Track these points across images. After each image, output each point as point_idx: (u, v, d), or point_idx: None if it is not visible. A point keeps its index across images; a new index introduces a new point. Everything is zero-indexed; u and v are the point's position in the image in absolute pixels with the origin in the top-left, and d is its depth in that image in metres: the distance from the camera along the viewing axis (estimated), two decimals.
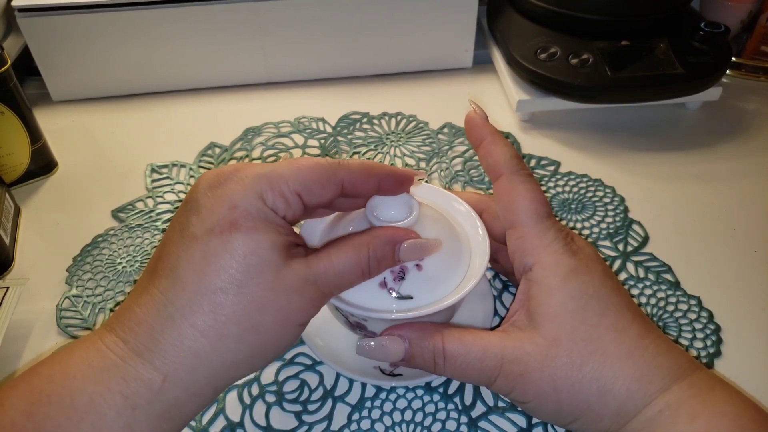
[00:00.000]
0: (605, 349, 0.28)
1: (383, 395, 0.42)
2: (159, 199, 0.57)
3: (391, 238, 0.32)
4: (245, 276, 0.27)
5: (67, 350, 0.28)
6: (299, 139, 0.64)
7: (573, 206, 0.56)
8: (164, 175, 0.60)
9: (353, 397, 0.42)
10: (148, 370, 0.26)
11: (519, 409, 0.41)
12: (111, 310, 0.48)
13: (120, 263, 0.51)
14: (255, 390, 0.43)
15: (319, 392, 0.43)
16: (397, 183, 0.33)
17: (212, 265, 0.27)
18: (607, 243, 0.52)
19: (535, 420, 0.41)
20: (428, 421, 0.41)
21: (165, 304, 0.27)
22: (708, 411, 0.28)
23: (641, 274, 0.49)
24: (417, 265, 0.34)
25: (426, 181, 0.40)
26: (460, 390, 0.42)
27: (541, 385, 0.29)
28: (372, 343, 0.33)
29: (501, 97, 0.69)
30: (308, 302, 0.29)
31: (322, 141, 0.64)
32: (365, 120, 0.66)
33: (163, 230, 0.54)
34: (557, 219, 0.33)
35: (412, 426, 0.41)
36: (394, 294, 0.33)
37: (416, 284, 0.34)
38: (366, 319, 0.33)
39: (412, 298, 0.33)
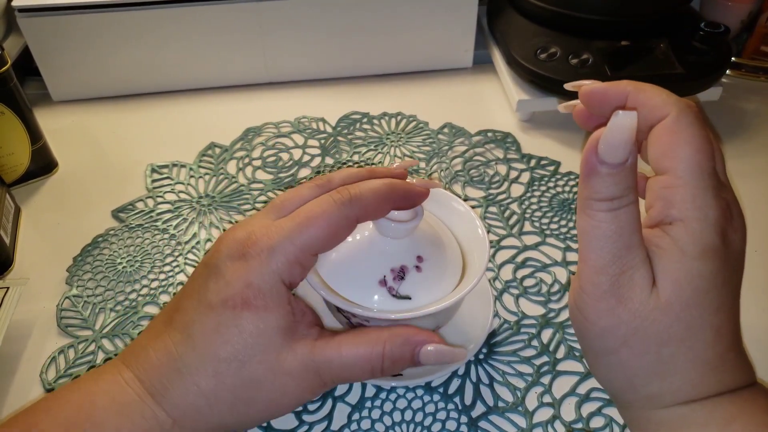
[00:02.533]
0: (694, 344, 0.26)
1: (383, 395, 0.42)
2: (159, 199, 0.57)
3: (411, 340, 0.31)
4: (248, 353, 0.29)
5: (91, 380, 0.31)
6: (299, 139, 0.64)
7: (573, 206, 0.56)
8: (164, 175, 0.60)
9: (353, 397, 0.42)
10: (161, 412, 0.29)
11: (519, 410, 0.42)
12: (111, 310, 0.48)
13: (120, 263, 0.51)
14: None
15: None
16: (412, 201, 0.33)
17: (222, 337, 0.29)
18: None
19: (535, 420, 0.41)
20: (428, 421, 0.41)
21: (176, 358, 0.29)
22: (746, 417, 0.26)
23: None
24: (416, 267, 0.34)
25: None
26: (460, 390, 0.42)
27: (619, 330, 0.27)
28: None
29: (501, 97, 0.69)
30: (304, 389, 0.30)
31: (323, 141, 0.64)
32: (365, 120, 0.66)
33: (163, 230, 0.54)
34: (723, 182, 0.27)
35: (412, 426, 0.41)
36: (393, 292, 0.33)
37: (415, 285, 0.34)
38: (368, 319, 0.33)
39: (410, 298, 0.33)
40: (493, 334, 0.46)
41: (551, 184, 0.58)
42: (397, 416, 0.41)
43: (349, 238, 0.34)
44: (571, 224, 0.54)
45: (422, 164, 0.61)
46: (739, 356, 0.28)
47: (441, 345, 0.31)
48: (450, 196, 0.40)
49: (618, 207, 0.26)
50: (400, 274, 0.33)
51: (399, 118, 0.66)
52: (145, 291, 0.49)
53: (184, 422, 0.30)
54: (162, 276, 0.50)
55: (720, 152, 0.28)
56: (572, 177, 0.59)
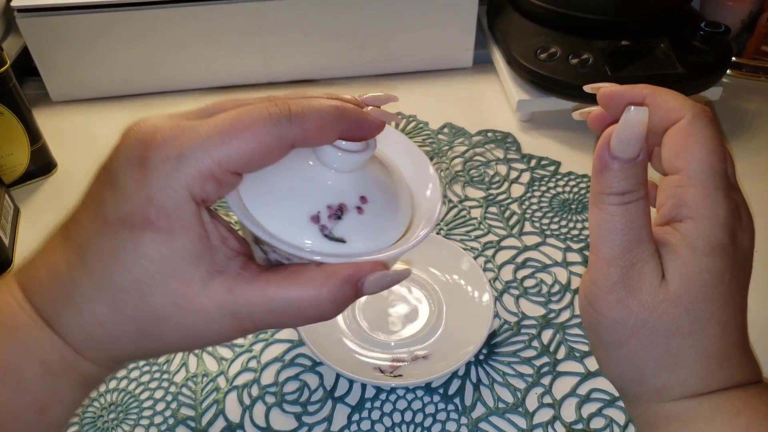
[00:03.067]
0: (702, 337, 0.27)
1: (383, 396, 0.42)
2: None
3: (353, 277, 0.26)
4: (149, 283, 0.24)
5: None
6: None
7: (573, 206, 0.56)
8: None
9: (353, 398, 0.42)
10: (57, 339, 0.26)
11: (519, 410, 0.41)
12: None
13: None
14: (255, 391, 0.43)
15: (319, 393, 0.42)
16: (364, 132, 0.28)
17: (119, 262, 0.24)
18: None
19: (535, 421, 0.41)
20: (428, 422, 0.41)
21: (69, 282, 0.25)
22: (751, 411, 0.27)
23: None
24: (358, 208, 0.29)
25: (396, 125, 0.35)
26: (460, 391, 0.42)
27: (628, 321, 0.27)
28: (637, 119, 0.26)
29: (501, 97, 0.69)
30: (218, 332, 0.26)
31: None
32: None
33: None
34: (733, 184, 0.28)
35: (412, 427, 0.41)
36: (326, 232, 0.28)
37: (353, 228, 0.28)
38: (290, 257, 0.27)
39: (344, 242, 0.28)
40: (493, 335, 0.46)
41: (551, 185, 0.58)
42: (397, 417, 0.41)
43: (284, 161, 0.27)
44: (571, 224, 0.54)
45: None
46: (746, 353, 0.29)
47: (382, 272, 0.27)
48: (407, 140, 0.35)
49: (629, 201, 0.26)
50: (338, 212, 0.28)
51: (399, 117, 0.66)
52: None
53: (84, 352, 0.26)
54: None
55: (731, 157, 0.29)
56: (572, 177, 0.59)
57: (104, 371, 0.27)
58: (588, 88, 0.31)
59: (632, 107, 0.25)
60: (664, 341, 0.27)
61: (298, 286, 0.25)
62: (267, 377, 0.43)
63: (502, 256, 0.52)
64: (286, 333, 0.46)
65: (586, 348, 0.45)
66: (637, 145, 0.26)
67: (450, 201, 0.56)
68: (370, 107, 0.29)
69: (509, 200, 0.56)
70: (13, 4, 0.62)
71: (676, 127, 0.28)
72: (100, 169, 0.26)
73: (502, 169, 0.60)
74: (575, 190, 0.57)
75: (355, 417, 0.41)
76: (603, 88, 0.30)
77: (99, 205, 0.25)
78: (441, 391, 0.42)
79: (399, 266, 0.30)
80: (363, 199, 0.29)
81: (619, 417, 0.41)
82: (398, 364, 0.43)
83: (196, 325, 0.25)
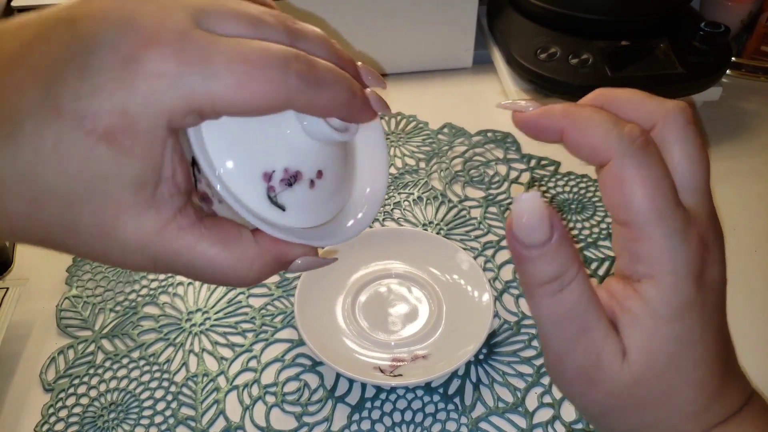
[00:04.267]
0: (676, 403, 0.25)
1: (383, 396, 0.42)
2: None
3: (284, 257, 0.26)
4: (82, 197, 0.21)
5: None
6: None
7: (573, 206, 0.56)
8: None
9: (353, 398, 0.42)
10: None
11: (519, 410, 0.42)
12: (111, 311, 0.48)
13: None
14: (255, 391, 0.43)
15: (320, 393, 0.42)
16: (357, 118, 0.26)
17: (58, 162, 0.21)
18: (606, 243, 0.52)
19: (535, 420, 0.41)
20: (428, 421, 0.41)
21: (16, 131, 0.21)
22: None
23: None
24: (311, 181, 0.27)
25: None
26: (460, 390, 0.42)
27: (593, 407, 0.26)
28: (533, 205, 0.23)
29: (501, 97, 0.69)
30: (130, 262, 0.23)
31: None
32: None
33: None
34: (694, 210, 0.24)
35: (412, 426, 0.41)
36: (271, 194, 0.26)
37: (298, 199, 0.27)
38: (222, 200, 0.25)
39: (284, 210, 0.27)
40: (493, 335, 0.46)
41: (551, 184, 0.58)
42: (397, 417, 0.41)
43: None
44: (571, 224, 0.54)
45: (422, 164, 0.60)
46: (730, 385, 0.26)
47: (313, 258, 0.26)
48: (381, 131, 0.32)
49: (560, 288, 0.24)
50: (291, 179, 0.26)
51: (399, 118, 0.66)
52: (144, 291, 0.49)
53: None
54: (162, 276, 0.50)
55: (704, 161, 0.25)
56: (572, 177, 0.59)
57: None
58: (501, 107, 0.27)
59: (521, 196, 0.23)
60: (635, 416, 0.25)
61: (230, 255, 0.24)
62: (267, 377, 0.44)
63: (502, 255, 0.52)
64: (287, 333, 0.46)
65: None
66: (543, 228, 0.23)
67: (450, 201, 0.56)
68: (371, 92, 0.26)
69: (509, 200, 0.56)
70: (13, 3, 0.62)
71: (606, 172, 0.24)
72: (66, 22, 0.21)
73: (502, 169, 0.60)
74: (575, 190, 0.57)
75: (355, 417, 0.41)
76: (517, 114, 0.26)
77: (55, 80, 0.20)
78: (441, 390, 0.42)
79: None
80: (319, 173, 0.27)
81: None
82: (398, 363, 0.43)
83: (110, 251, 0.23)
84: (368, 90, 0.26)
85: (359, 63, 0.27)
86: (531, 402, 0.42)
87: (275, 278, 0.50)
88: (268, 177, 0.26)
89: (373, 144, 0.31)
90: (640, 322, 0.24)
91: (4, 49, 0.21)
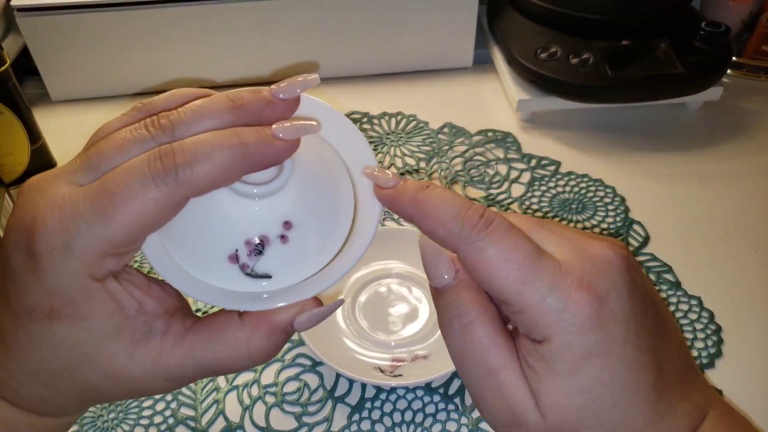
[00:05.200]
0: None
1: (383, 396, 0.42)
2: None
3: (279, 325, 0.26)
4: (75, 364, 0.24)
5: None
6: None
7: (573, 206, 0.56)
8: None
9: (353, 398, 0.42)
10: (12, 408, 0.26)
11: None
12: None
13: None
14: (255, 391, 0.43)
15: (319, 393, 0.42)
16: (270, 162, 0.24)
17: (39, 350, 0.24)
18: None
19: None
20: (428, 421, 0.41)
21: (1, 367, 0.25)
22: None
23: None
24: (281, 237, 0.25)
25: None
26: (460, 391, 0.42)
27: None
28: (436, 249, 0.26)
29: (501, 97, 0.69)
30: (155, 390, 0.26)
31: None
32: (365, 120, 0.66)
33: None
34: (570, 266, 0.24)
35: (412, 427, 0.41)
36: (247, 270, 0.25)
37: (278, 259, 0.25)
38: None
39: (270, 277, 0.26)
40: None
41: (552, 184, 0.58)
42: (397, 417, 0.41)
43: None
44: (571, 224, 0.54)
45: (422, 164, 0.60)
46: (680, 400, 0.25)
47: (312, 311, 0.26)
48: (347, 122, 0.29)
49: (462, 325, 0.25)
50: (258, 248, 0.25)
51: (399, 117, 0.66)
52: None
53: (42, 413, 0.27)
54: None
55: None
56: (572, 177, 0.59)
57: (69, 419, 0.28)
58: (365, 172, 0.27)
59: (422, 241, 0.26)
60: None
61: (224, 347, 0.25)
62: (267, 377, 0.43)
63: None
64: None
65: None
66: (438, 273, 0.25)
67: None
68: (278, 126, 0.24)
69: (509, 200, 0.56)
70: (13, 3, 0.62)
71: (461, 259, 0.25)
72: None
73: (503, 168, 0.60)
74: (575, 189, 0.57)
75: (355, 417, 0.41)
76: (377, 189, 0.27)
77: (4, 295, 0.24)
78: (441, 390, 0.42)
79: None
80: (287, 224, 0.25)
81: None
82: (398, 363, 0.43)
83: (134, 388, 0.25)
84: (276, 127, 0.24)
85: (272, 86, 0.25)
86: None
87: None
88: (234, 258, 0.25)
89: (347, 135, 0.29)
90: (544, 381, 0.24)
91: None
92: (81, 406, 0.27)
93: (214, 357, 0.25)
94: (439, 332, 0.45)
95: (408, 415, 0.41)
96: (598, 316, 0.23)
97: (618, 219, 0.54)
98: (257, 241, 0.25)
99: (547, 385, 0.24)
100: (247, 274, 0.25)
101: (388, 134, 0.64)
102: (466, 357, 0.25)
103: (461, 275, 0.25)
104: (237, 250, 0.25)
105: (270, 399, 0.42)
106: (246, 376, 0.44)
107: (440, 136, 0.64)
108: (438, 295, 0.26)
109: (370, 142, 0.63)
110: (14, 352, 0.24)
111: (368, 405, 0.42)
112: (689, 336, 0.45)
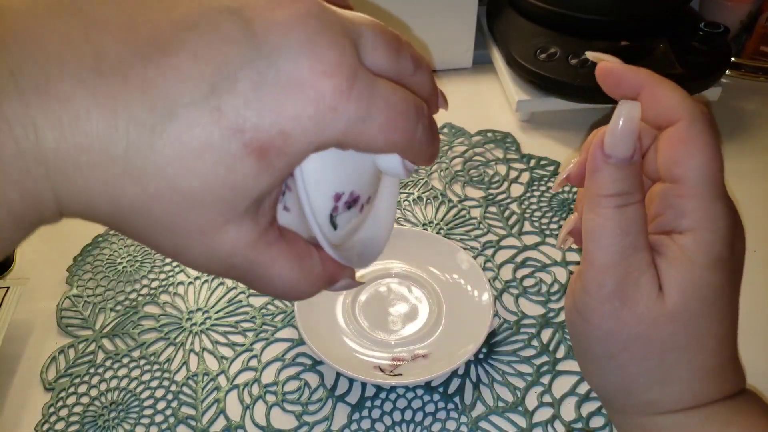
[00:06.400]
0: (698, 353, 0.27)
1: (383, 395, 0.42)
2: None
3: (334, 278, 0.26)
4: (205, 198, 0.20)
5: None
6: None
7: (572, 206, 0.56)
8: None
9: (353, 397, 0.42)
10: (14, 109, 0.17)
11: (519, 409, 0.42)
12: (111, 310, 0.48)
13: (120, 263, 0.51)
14: (255, 390, 0.43)
15: (320, 392, 0.43)
16: (422, 162, 0.25)
17: (195, 162, 0.19)
18: None
19: (535, 420, 0.41)
20: (428, 420, 0.41)
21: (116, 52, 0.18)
22: (742, 418, 0.27)
23: None
24: (362, 206, 0.27)
25: None
26: (460, 390, 0.42)
27: (621, 333, 0.26)
28: (633, 118, 0.26)
29: (501, 97, 0.69)
30: (201, 263, 0.22)
31: None
32: None
33: None
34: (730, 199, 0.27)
35: (412, 426, 0.41)
36: (334, 214, 0.26)
37: (349, 221, 0.27)
38: (297, 211, 0.26)
39: (335, 229, 0.27)
40: (493, 334, 0.46)
41: (551, 184, 0.58)
42: (397, 416, 0.41)
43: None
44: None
45: None
46: (736, 364, 0.29)
47: (350, 280, 0.26)
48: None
49: (625, 203, 0.25)
50: (351, 202, 0.26)
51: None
52: (145, 291, 0.49)
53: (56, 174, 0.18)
54: (162, 276, 0.50)
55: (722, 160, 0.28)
56: None
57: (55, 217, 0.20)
58: (590, 56, 0.29)
59: (625, 102, 0.25)
60: (658, 356, 0.26)
61: (300, 273, 0.24)
62: (267, 376, 0.44)
63: (502, 255, 0.52)
64: (287, 332, 0.46)
65: None
66: (630, 142, 0.25)
67: (450, 201, 0.56)
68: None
69: (509, 200, 0.57)
70: None
71: (673, 130, 0.26)
72: (237, 17, 0.19)
73: (502, 168, 0.60)
74: (574, 189, 0.58)
75: (356, 416, 0.41)
76: (604, 62, 0.28)
77: (224, 80, 0.19)
78: (441, 390, 0.43)
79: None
80: (369, 199, 0.28)
81: None
82: (398, 363, 0.43)
83: (194, 252, 0.21)
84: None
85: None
86: (531, 401, 0.42)
87: None
88: (337, 198, 0.26)
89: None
90: (678, 265, 0.26)
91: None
92: (101, 212, 0.20)
93: (286, 276, 0.23)
94: (438, 331, 0.45)
95: (408, 414, 0.41)
96: (733, 243, 0.27)
97: None
98: (356, 195, 0.26)
99: (681, 269, 0.26)
100: (330, 216, 0.26)
101: None
102: (620, 231, 0.26)
103: (639, 156, 0.26)
104: (344, 193, 0.26)
105: (270, 398, 0.42)
106: (247, 376, 0.44)
107: (440, 136, 0.64)
108: (606, 169, 0.26)
109: None
110: (163, 142, 0.18)
111: (368, 404, 0.42)
112: None
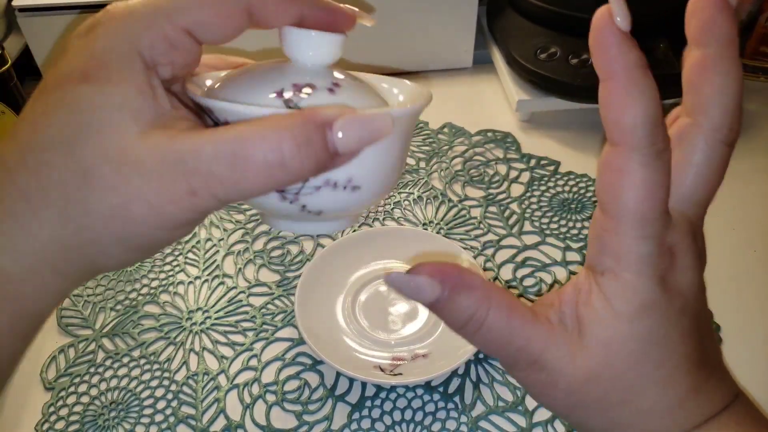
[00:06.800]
0: (640, 403, 0.25)
1: (383, 394, 0.42)
2: None
3: (315, 117, 0.21)
4: (78, 135, 0.21)
5: None
6: None
7: (573, 206, 0.56)
8: None
9: (353, 397, 0.42)
10: None
11: (519, 409, 0.42)
12: (111, 309, 0.48)
13: None
14: (255, 389, 0.43)
15: (320, 392, 0.43)
16: (329, 19, 0.25)
17: (49, 119, 0.21)
18: None
19: (535, 419, 0.41)
20: (428, 420, 0.41)
21: None
22: None
23: None
24: (329, 89, 0.25)
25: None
26: (460, 389, 0.43)
27: (557, 405, 0.26)
28: (405, 279, 0.24)
29: (501, 97, 0.69)
30: (161, 194, 0.21)
31: None
32: None
33: None
34: (677, 229, 0.24)
35: (412, 425, 0.41)
36: (291, 105, 0.24)
37: (321, 103, 0.24)
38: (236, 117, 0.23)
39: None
40: None
41: (551, 184, 0.58)
42: (397, 415, 0.41)
43: (255, 75, 0.25)
44: (570, 224, 0.54)
45: (422, 164, 0.61)
46: (709, 384, 0.26)
47: (357, 115, 0.22)
48: (380, 77, 0.30)
49: (478, 327, 0.24)
50: (305, 89, 0.24)
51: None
52: (145, 290, 0.49)
53: (2, 240, 0.21)
54: (162, 275, 0.50)
55: (715, 185, 0.25)
56: (572, 177, 0.59)
57: (32, 282, 0.22)
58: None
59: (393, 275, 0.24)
60: (600, 414, 0.25)
61: (252, 125, 0.21)
62: (267, 376, 0.44)
63: (502, 255, 0.52)
64: (287, 332, 0.46)
65: None
66: (426, 295, 0.24)
67: (450, 200, 0.56)
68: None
69: (509, 200, 0.57)
70: (14, 3, 0.62)
71: (611, 157, 0.23)
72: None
73: (502, 168, 0.60)
74: (574, 189, 0.58)
75: (356, 415, 0.41)
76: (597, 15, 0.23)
77: (43, 81, 0.23)
78: (441, 389, 0.43)
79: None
80: (335, 83, 0.25)
81: None
82: (398, 362, 0.43)
83: (131, 183, 0.20)
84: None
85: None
86: (531, 401, 0.42)
87: (276, 277, 0.50)
88: (279, 94, 0.24)
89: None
90: (601, 319, 0.23)
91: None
92: (59, 229, 0.21)
93: (240, 134, 0.21)
94: (438, 331, 0.45)
95: (408, 414, 0.41)
96: (667, 278, 0.23)
97: None
98: (304, 84, 0.25)
99: (604, 323, 0.23)
100: (290, 108, 0.24)
101: None
102: (493, 348, 0.24)
103: (449, 283, 0.23)
104: (283, 88, 0.24)
105: (270, 398, 0.42)
106: (247, 375, 0.44)
107: (440, 136, 0.64)
108: (437, 309, 0.24)
109: None
110: (20, 131, 0.22)
111: (368, 404, 0.42)
112: None
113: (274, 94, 0.24)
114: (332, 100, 0.24)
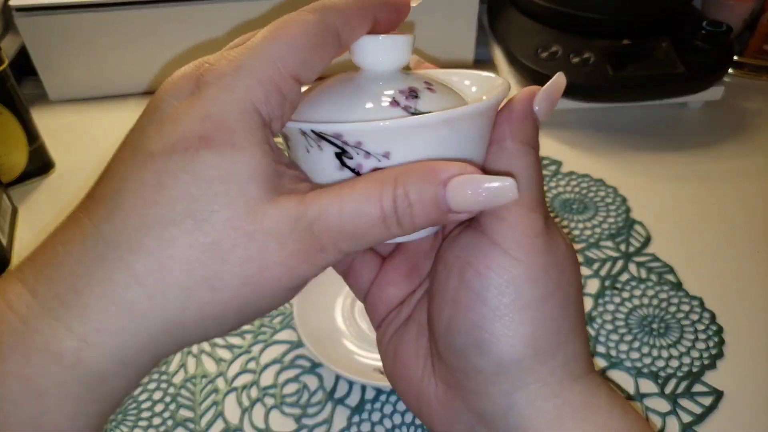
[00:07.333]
0: (570, 322, 0.25)
1: (383, 397, 0.42)
2: None
3: (434, 171, 0.21)
4: (208, 209, 0.19)
5: None
6: None
7: (574, 206, 0.56)
8: None
9: (353, 400, 0.42)
10: (59, 334, 0.19)
11: None
12: None
13: None
14: (254, 392, 0.43)
15: (319, 395, 0.42)
16: (395, 16, 0.25)
17: (167, 191, 0.19)
18: (609, 243, 0.52)
19: None
20: None
21: (96, 240, 0.19)
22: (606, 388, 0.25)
23: (643, 275, 0.49)
24: (428, 88, 0.25)
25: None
26: None
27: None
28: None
29: None
30: (294, 254, 0.20)
31: None
32: None
33: None
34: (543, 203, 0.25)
35: (412, 429, 0.40)
36: (411, 111, 0.24)
37: (434, 102, 0.25)
38: (363, 137, 0.23)
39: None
40: None
41: (552, 184, 0.58)
42: (397, 419, 0.41)
43: (336, 94, 0.25)
44: (572, 224, 0.54)
45: None
46: (586, 341, 0.26)
47: (474, 174, 0.21)
48: (448, 71, 0.31)
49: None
50: (412, 93, 0.25)
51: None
52: None
53: (101, 338, 0.19)
54: None
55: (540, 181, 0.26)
56: (573, 177, 0.58)
57: (124, 372, 0.20)
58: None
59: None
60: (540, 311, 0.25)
61: (371, 186, 0.21)
62: (266, 379, 0.43)
63: None
64: (286, 334, 0.46)
65: None
66: (550, 108, 0.28)
67: None
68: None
69: None
70: (11, 3, 0.62)
71: (492, 151, 0.26)
72: (137, 120, 0.22)
73: None
74: (576, 189, 0.57)
75: (355, 419, 0.41)
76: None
77: (139, 143, 0.20)
78: None
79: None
80: (427, 83, 0.26)
81: None
82: None
83: (267, 250, 0.20)
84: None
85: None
86: None
87: None
88: (395, 104, 0.25)
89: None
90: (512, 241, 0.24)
91: None
92: (179, 312, 0.20)
93: (360, 196, 0.20)
94: None
95: (408, 417, 0.41)
96: (555, 249, 0.25)
97: (619, 219, 0.54)
98: (409, 89, 0.25)
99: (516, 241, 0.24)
100: (411, 113, 0.24)
101: None
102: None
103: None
104: (394, 97, 0.25)
105: (269, 401, 0.42)
106: (245, 378, 0.43)
107: None
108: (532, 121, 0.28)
109: None
110: (126, 207, 0.19)
111: (368, 407, 0.41)
112: (690, 337, 0.44)
113: (390, 105, 0.24)
114: (437, 99, 0.25)
